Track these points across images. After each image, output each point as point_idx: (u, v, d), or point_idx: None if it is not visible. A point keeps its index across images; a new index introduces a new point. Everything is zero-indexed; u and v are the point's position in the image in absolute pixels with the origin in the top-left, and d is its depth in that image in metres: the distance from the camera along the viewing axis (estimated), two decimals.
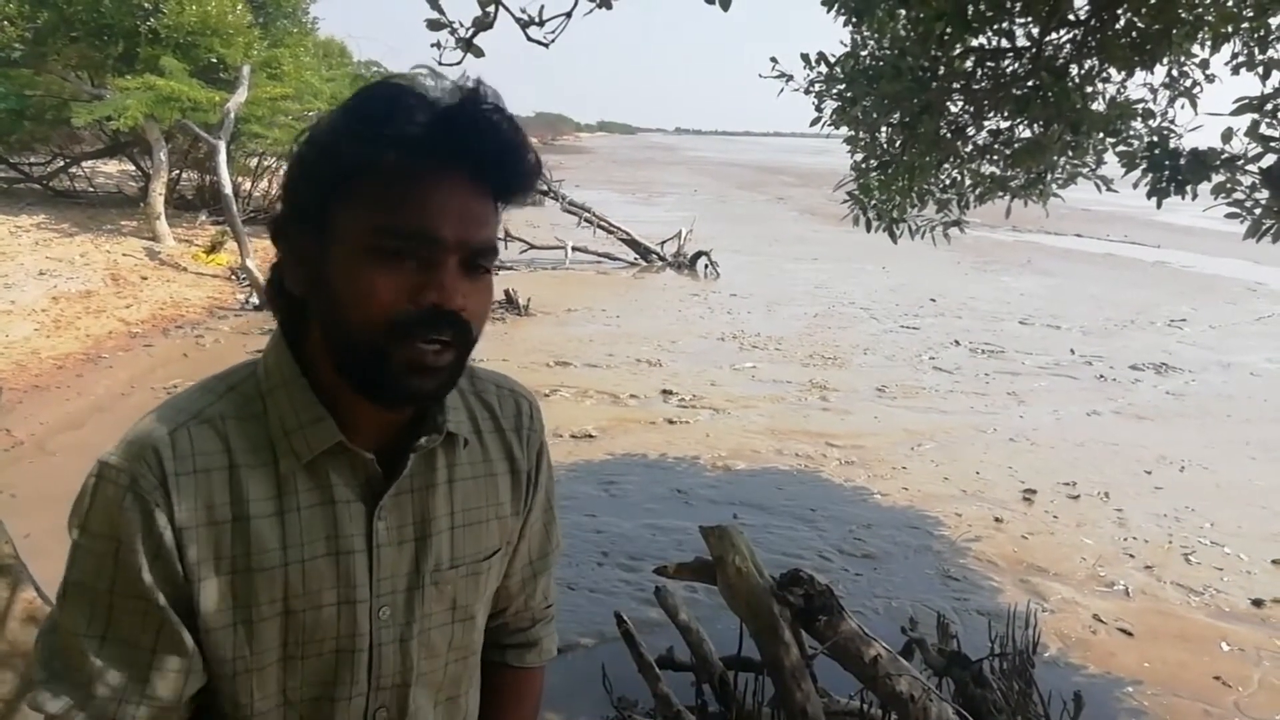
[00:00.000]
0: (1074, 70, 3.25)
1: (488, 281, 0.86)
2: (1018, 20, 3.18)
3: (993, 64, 3.31)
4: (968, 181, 3.81)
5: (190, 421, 0.83)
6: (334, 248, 0.81)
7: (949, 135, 3.50)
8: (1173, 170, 2.91)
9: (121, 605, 0.81)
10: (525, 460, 1.02)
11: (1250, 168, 2.70)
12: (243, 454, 0.84)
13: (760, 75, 3.60)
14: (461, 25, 1.93)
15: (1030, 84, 3.18)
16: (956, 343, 10.57)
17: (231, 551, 0.83)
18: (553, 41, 1.83)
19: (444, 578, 0.93)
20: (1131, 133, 3.26)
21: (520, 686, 1.15)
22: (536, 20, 1.86)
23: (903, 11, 3.22)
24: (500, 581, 1.05)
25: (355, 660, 0.89)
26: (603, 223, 16.21)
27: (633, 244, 16.00)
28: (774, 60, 3.61)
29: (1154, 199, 2.96)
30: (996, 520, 5.60)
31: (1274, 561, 5.14)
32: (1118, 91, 3.40)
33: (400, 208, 0.79)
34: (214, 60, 13.45)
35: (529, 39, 1.85)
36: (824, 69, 3.53)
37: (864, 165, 3.73)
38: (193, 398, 0.86)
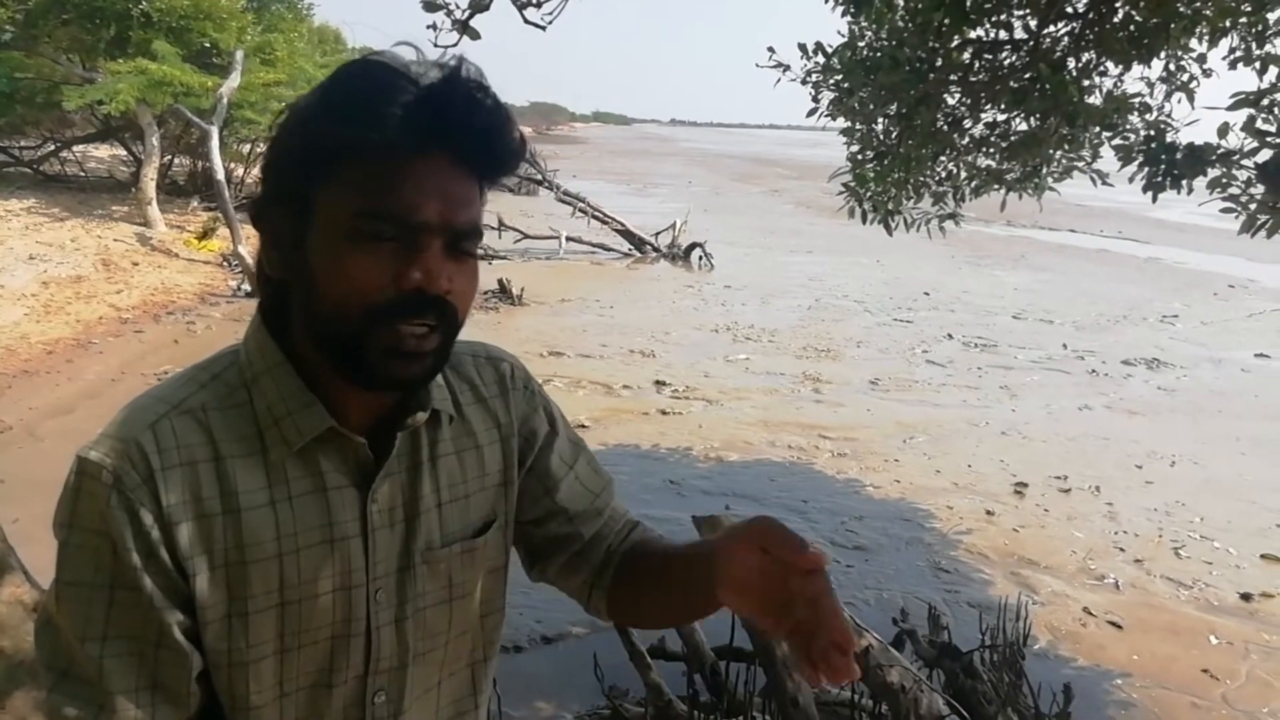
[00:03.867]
0: (1071, 63, 3.24)
1: (473, 265, 0.84)
2: (1016, 12, 3.18)
3: (990, 56, 3.31)
4: (963, 174, 3.81)
5: (171, 413, 0.81)
6: (313, 231, 0.79)
7: (945, 127, 3.50)
8: (1169, 165, 2.91)
9: (121, 600, 0.79)
10: (514, 422, 1.00)
11: (1246, 163, 2.70)
12: (228, 444, 0.82)
13: (757, 65, 3.59)
14: (458, 7, 1.91)
15: (1027, 76, 3.18)
16: (950, 336, 10.59)
17: (224, 544, 0.81)
18: (550, 23, 1.82)
19: (436, 556, 0.92)
20: (1128, 127, 3.25)
21: (647, 543, 1.06)
22: (534, 1, 1.84)
23: (900, 2, 3.21)
24: (507, 556, 1.02)
25: (351, 645, 0.88)
26: (597, 213, 16.17)
27: (627, 235, 15.97)
28: (771, 50, 3.60)
29: (1149, 193, 2.96)
30: (988, 513, 5.62)
31: (1263, 556, 5.17)
32: (1115, 85, 3.40)
33: (382, 190, 0.77)
34: (207, 45, 13.36)
35: (526, 21, 1.84)
36: (821, 60, 3.51)
37: (860, 156, 3.72)
38: (173, 388, 0.84)
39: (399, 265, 0.78)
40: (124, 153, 17.09)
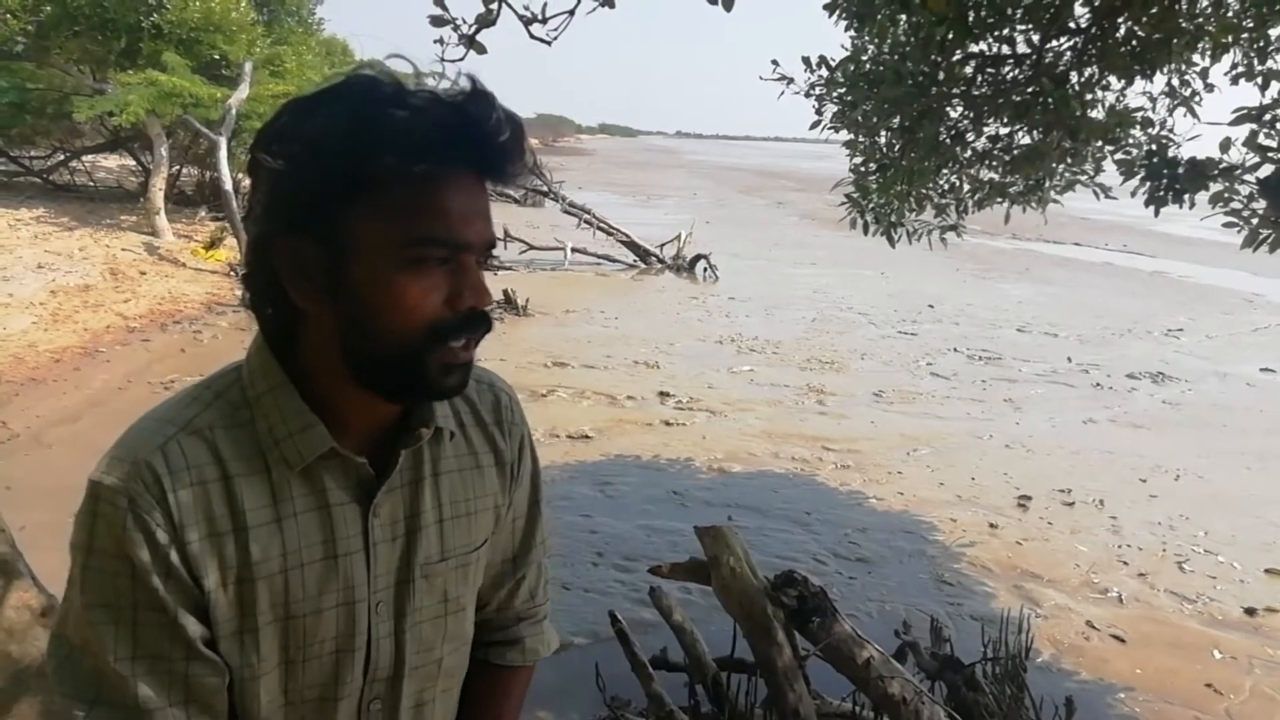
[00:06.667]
0: (1074, 78, 3.26)
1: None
2: (1019, 27, 3.19)
3: (993, 70, 3.32)
4: (966, 187, 3.83)
5: (179, 434, 0.82)
6: (354, 261, 0.79)
7: (948, 140, 3.52)
8: (1171, 179, 2.92)
9: (146, 620, 0.81)
10: (509, 451, 1.02)
11: (1248, 177, 2.71)
12: (234, 463, 0.84)
13: (761, 78, 3.61)
14: (464, 22, 1.93)
15: (1030, 91, 3.19)
16: (954, 349, 10.59)
17: (235, 561, 0.83)
18: (555, 39, 1.84)
19: (434, 570, 0.94)
20: (1130, 141, 3.27)
21: (501, 685, 1.13)
22: (539, 17, 1.86)
23: (904, 16, 3.23)
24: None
25: (354, 658, 0.90)
26: (602, 224, 16.22)
27: (632, 246, 16.01)
28: (775, 63, 3.62)
29: (1152, 207, 2.97)
30: (991, 526, 5.61)
31: (1267, 570, 5.15)
32: (1117, 99, 3.41)
33: (427, 217, 0.79)
34: (216, 57, 13.48)
35: (532, 36, 1.86)
36: (825, 73, 3.54)
37: (863, 169, 3.74)
38: (179, 407, 0.85)
39: (450, 287, 0.81)
40: (133, 163, 17.22)
